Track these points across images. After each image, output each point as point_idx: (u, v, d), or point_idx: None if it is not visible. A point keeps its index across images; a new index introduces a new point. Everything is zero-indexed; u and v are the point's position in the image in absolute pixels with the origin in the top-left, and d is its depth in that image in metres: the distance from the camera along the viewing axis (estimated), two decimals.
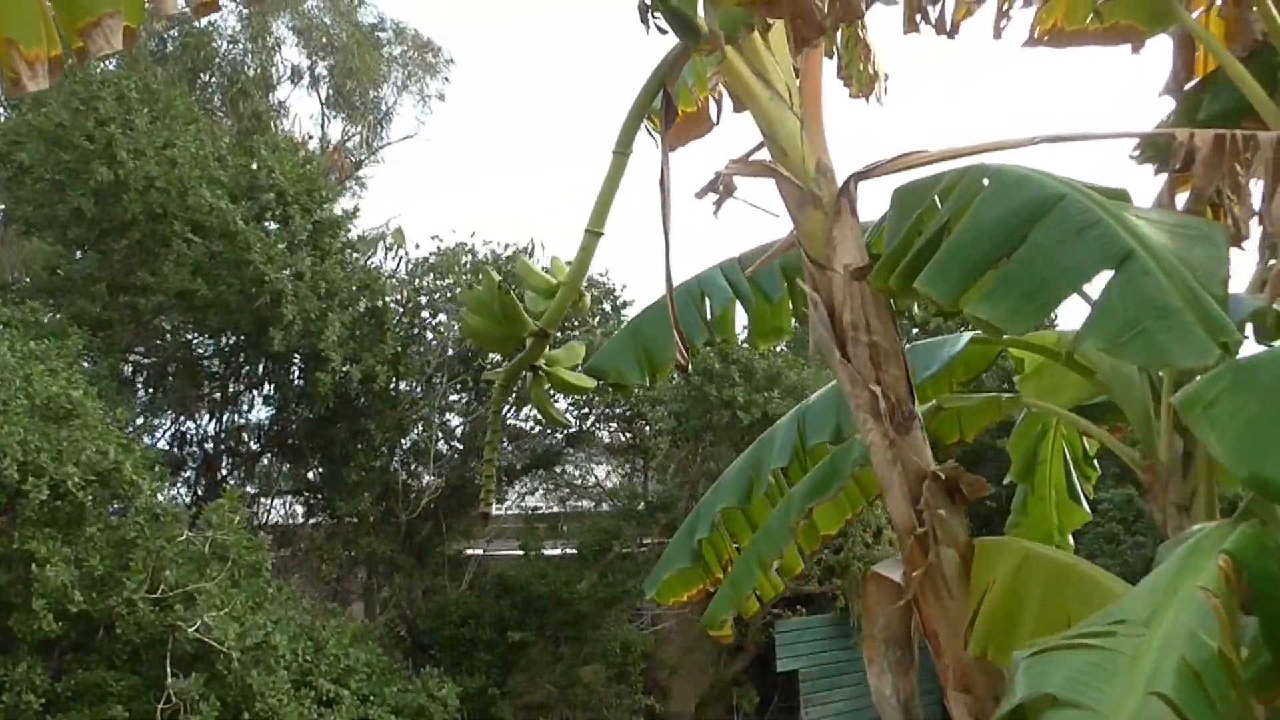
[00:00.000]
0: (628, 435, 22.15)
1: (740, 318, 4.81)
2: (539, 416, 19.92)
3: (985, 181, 2.94)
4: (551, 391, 3.66)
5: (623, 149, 3.39)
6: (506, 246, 19.75)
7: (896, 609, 3.29)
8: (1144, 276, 2.47)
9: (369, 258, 15.92)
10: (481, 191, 36.45)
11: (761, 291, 4.71)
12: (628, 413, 20.55)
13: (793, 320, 4.77)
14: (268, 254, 12.66)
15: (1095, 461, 5.85)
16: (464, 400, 19.33)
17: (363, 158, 22.20)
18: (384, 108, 21.62)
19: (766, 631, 16.43)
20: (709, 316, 4.73)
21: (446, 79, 21.52)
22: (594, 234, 3.32)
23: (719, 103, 5.06)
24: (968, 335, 4.60)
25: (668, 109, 3.51)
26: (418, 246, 16.80)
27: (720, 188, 3.36)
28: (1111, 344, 2.45)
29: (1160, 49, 4.84)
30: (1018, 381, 5.60)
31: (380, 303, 14.78)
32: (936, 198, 3.10)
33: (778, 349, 19.56)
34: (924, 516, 3.07)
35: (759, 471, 5.13)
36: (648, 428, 20.93)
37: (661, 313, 4.77)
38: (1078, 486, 5.67)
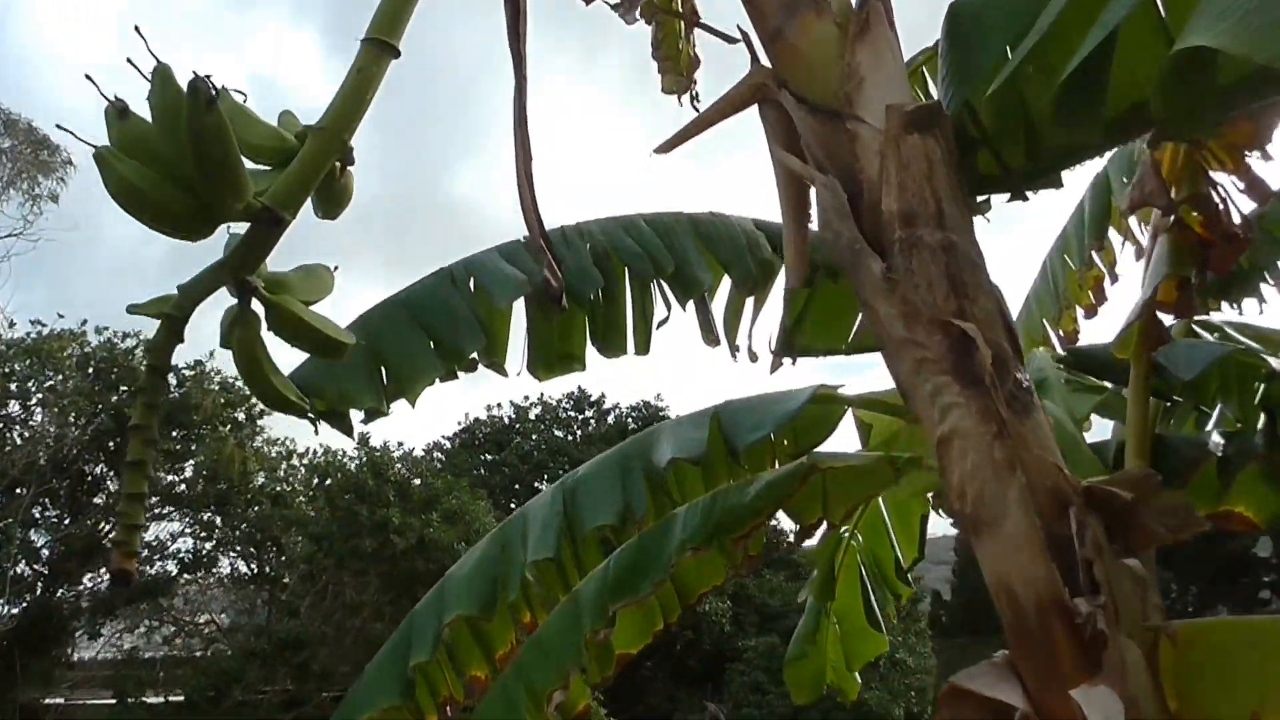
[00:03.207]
0: (253, 565, 19.74)
1: (519, 331, 3.62)
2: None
3: None
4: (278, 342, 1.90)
5: None
6: (126, 336, 17.18)
7: None
8: None
9: None
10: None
11: (568, 288, 3.57)
12: (256, 535, 18.30)
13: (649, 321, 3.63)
14: None
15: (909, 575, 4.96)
16: (54, 516, 16.30)
17: None
18: None
19: None
20: (475, 317, 3.50)
21: (62, 179, 19.92)
22: (383, 45, 1.74)
23: None
24: (807, 390, 3.57)
25: None
26: (12, 325, 14.16)
27: None
28: None
29: None
30: None
31: None
32: None
33: (437, 469, 18.23)
34: (1078, 574, 1.58)
35: (507, 568, 3.96)
36: (276, 554, 18.72)
37: (403, 310, 3.57)
38: (875, 608, 4.85)
